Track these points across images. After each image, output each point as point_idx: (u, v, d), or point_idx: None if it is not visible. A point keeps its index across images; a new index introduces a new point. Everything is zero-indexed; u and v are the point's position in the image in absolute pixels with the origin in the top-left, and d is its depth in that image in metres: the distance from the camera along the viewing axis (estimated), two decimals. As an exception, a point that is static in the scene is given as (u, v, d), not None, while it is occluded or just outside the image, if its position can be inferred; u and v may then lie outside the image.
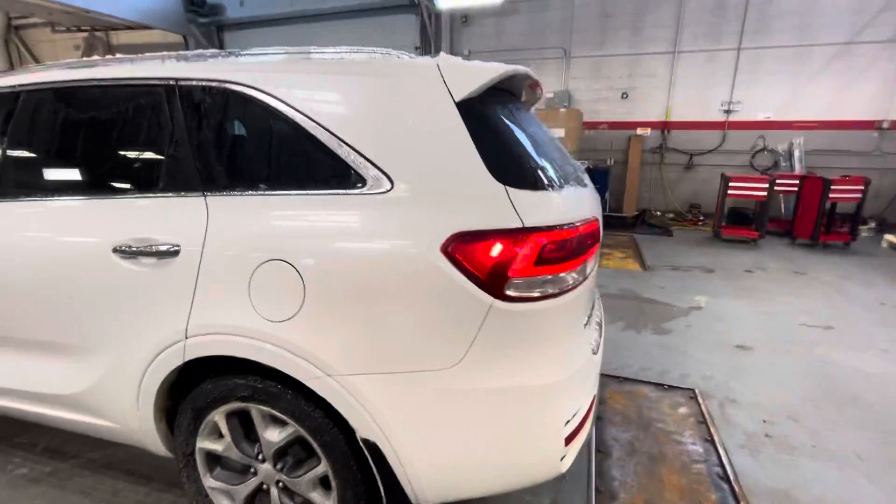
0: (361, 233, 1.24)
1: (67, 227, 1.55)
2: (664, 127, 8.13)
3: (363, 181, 1.26)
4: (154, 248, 1.40)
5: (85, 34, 11.92)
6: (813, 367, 2.93)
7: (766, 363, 2.98)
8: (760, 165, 7.78)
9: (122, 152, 1.58)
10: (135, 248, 1.41)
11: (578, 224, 1.28)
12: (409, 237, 1.19)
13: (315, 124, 1.31)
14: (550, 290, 1.21)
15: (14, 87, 1.69)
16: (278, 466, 1.46)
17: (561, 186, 1.36)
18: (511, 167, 1.24)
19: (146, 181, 1.51)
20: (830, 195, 5.92)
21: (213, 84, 1.44)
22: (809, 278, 4.82)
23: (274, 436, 1.41)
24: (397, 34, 9.02)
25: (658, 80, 8.00)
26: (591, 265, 1.46)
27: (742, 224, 6.75)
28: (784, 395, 2.60)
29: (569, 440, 1.34)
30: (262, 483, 1.51)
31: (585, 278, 1.33)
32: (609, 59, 8.16)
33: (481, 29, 8.81)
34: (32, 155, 1.73)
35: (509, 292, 1.17)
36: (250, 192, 1.37)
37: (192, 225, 1.38)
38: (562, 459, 1.34)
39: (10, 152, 1.70)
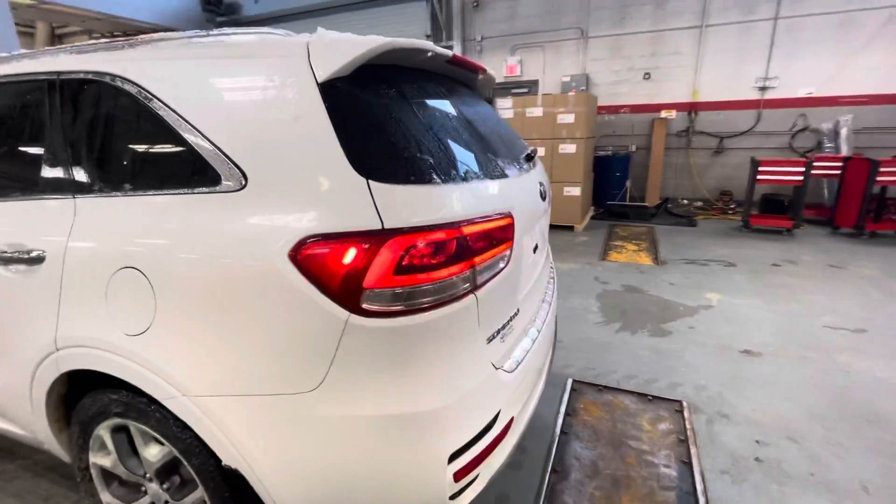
0: (210, 237, 1.09)
1: None
2: (691, 108, 7.52)
3: (219, 179, 1.11)
4: (24, 255, 1.31)
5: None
6: (830, 378, 2.55)
7: (774, 372, 2.63)
8: (801, 147, 7.06)
9: (5, 152, 1.51)
10: (8, 254, 1.34)
11: (463, 222, 1.08)
12: (257, 242, 1.04)
13: (177, 116, 1.17)
14: (420, 303, 1.02)
15: None
16: (164, 486, 1.36)
17: (465, 179, 1.16)
18: (381, 158, 1.05)
19: (29, 182, 1.42)
20: (879, 178, 5.27)
21: (90, 76, 1.33)
22: (847, 273, 4.29)
23: (152, 454, 1.31)
24: (408, 23, 8.82)
25: (684, 57, 7.39)
26: (507, 267, 1.26)
27: (775, 212, 6.15)
28: (787, 411, 2.27)
29: (461, 475, 1.15)
30: (152, 502, 1.41)
31: (477, 286, 1.13)
32: (629, 38, 7.62)
33: (493, 13, 8.46)
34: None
35: (366, 305, 0.99)
36: (116, 192, 1.25)
37: (57, 229, 1.28)
38: (453, 498, 1.15)
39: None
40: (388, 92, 1.21)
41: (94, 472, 1.46)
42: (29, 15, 10.59)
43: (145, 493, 1.41)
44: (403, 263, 0.99)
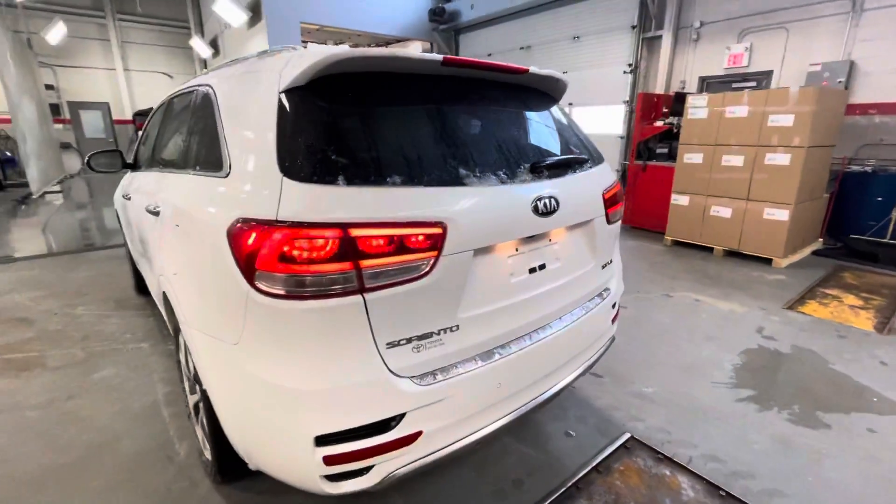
0: (207, 205, 1.41)
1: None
2: None
3: (222, 167, 1.43)
4: (154, 210, 1.96)
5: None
6: None
7: None
8: None
9: (166, 139, 2.22)
10: (151, 209, 2.02)
11: (352, 224, 1.11)
12: (218, 217, 1.31)
13: (217, 115, 1.56)
14: (299, 291, 1.11)
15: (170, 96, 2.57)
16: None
17: (383, 184, 1.19)
18: (299, 158, 1.17)
19: (165, 161, 2.10)
20: None
21: (202, 87, 1.86)
22: None
23: (189, 365, 1.79)
24: (615, 13, 8.19)
25: None
26: (429, 277, 1.22)
27: None
28: None
29: (335, 461, 1.21)
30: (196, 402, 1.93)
31: (365, 288, 1.14)
32: (939, 5, 5.26)
33: (721, -8, 7.05)
34: (166, 139, 2.59)
35: (258, 284, 1.15)
36: (186, 170, 1.75)
37: (161, 194, 1.88)
38: (325, 479, 1.23)
39: (159, 138, 2.60)
40: (349, 98, 1.30)
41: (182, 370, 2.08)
42: (317, 36, 14.13)
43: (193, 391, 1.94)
44: (285, 252, 1.10)
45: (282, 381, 1.18)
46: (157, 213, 1.92)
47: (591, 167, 1.82)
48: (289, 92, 1.25)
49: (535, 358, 1.56)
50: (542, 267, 1.59)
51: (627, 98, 8.21)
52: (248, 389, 1.26)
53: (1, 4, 11.31)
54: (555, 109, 1.94)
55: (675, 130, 6.03)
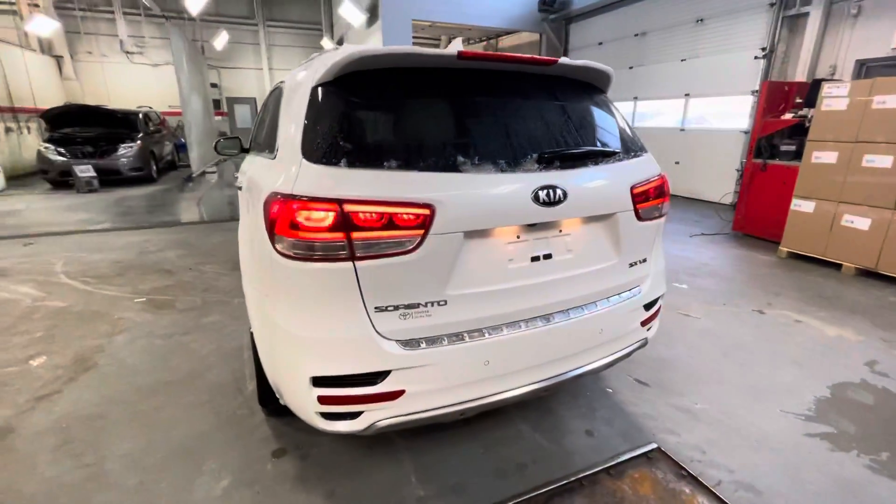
0: (262, 181, 1.70)
1: None
2: None
3: (274, 150, 1.71)
4: (239, 185, 2.39)
5: (483, 43, 15.59)
6: None
7: None
8: None
9: (261, 129, 2.65)
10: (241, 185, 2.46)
11: (347, 201, 1.29)
12: (264, 191, 1.58)
13: (280, 107, 1.86)
14: (305, 254, 1.33)
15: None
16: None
17: (380, 168, 1.35)
18: (316, 143, 1.39)
19: (255, 145, 2.51)
20: None
21: (280, 84, 2.21)
22: None
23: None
24: (749, -8, 7.19)
25: None
26: (416, 253, 1.36)
27: None
28: None
29: (328, 401, 1.42)
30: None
31: (357, 257, 1.32)
32: None
33: (898, -46, 5.76)
34: (259, 128, 3.06)
35: (277, 246, 1.39)
36: (263, 153, 2.09)
37: (246, 172, 2.27)
38: (320, 416, 1.45)
39: (258, 128, 3.09)
40: (366, 92, 1.47)
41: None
42: (430, 32, 14.73)
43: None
44: (294, 221, 1.32)
45: (290, 328, 1.42)
46: (240, 188, 2.33)
47: (619, 160, 1.76)
48: (318, 87, 1.47)
49: (532, 344, 1.60)
50: (548, 256, 1.61)
51: (757, 87, 7.18)
52: (272, 333, 1.53)
53: (184, 19, 13.93)
54: (597, 100, 1.90)
55: (808, 125, 5.16)
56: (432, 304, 1.44)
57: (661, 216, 1.91)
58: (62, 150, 8.98)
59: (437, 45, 18.33)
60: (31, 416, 2.26)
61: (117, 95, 14.32)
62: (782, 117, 5.49)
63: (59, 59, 13.63)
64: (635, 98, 9.53)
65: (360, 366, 1.40)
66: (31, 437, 2.10)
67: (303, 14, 16.05)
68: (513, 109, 1.65)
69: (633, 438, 2.10)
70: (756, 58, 7.15)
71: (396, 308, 1.41)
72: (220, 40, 13.60)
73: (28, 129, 11.34)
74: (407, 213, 1.33)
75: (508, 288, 1.54)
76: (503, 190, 1.47)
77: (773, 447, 2.06)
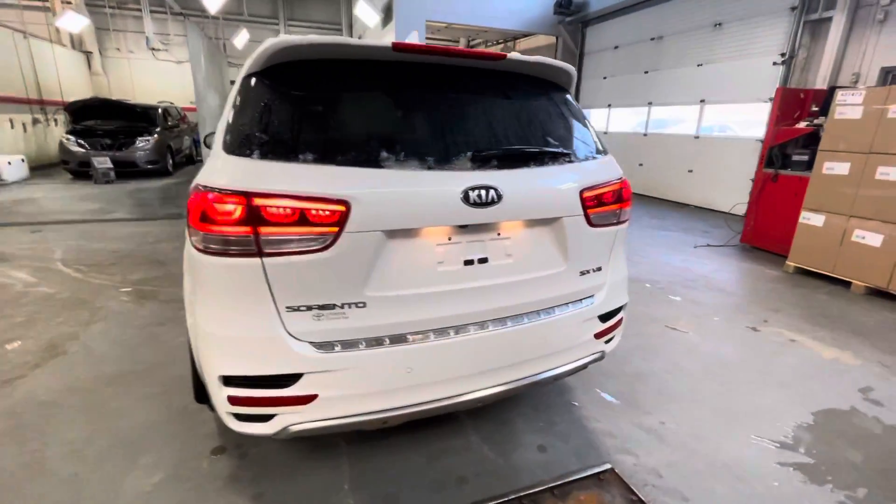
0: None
1: None
2: None
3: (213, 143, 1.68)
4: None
5: (501, 45, 15.50)
6: None
7: None
8: None
9: None
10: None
11: (256, 194, 1.24)
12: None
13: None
14: (211, 247, 1.28)
15: None
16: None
17: (294, 160, 1.29)
18: (238, 135, 1.34)
19: None
20: None
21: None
22: None
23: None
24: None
25: None
26: (330, 252, 1.30)
27: None
28: None
29: (238, 402, 1.37)
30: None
31: (264, 252, 1.26)
32: None
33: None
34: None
35: (193, 239, 1.34)
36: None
37: None
38: (232, 416, 1.39)
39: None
40: (293, 83, 1.41)
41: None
42: (446, 34, 14.72)
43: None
44: (204, 213, 1.28)
45: (205, 325, 1.37)
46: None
47: (569, 162, 1.66)
48: (246, 78, 1.43)
49: (463, 353, 1.52)
50: (484, 261, 1.53)
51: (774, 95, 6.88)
52: (194, 329, 1.49)
53: (206, 17, 14.26)
54: (556, 99, 1.81)
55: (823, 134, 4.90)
56: (349, 305, 1.37)
57: (619, 223, 1.80)
58: (82, 141, 9.28)
59: (457, 44, 18.26)
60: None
61: (142, 91, 14.76)
62: (796, 126, 5.24)
63: (88, 54, 14.14)
64: (649, 103, 9.28)
65: (270, 367, 1.34)
66: (-17, 421, 2.12)
67: (323, 14, 16.25)
68: (453, 106, 1.57)
69: (587, 457, 1.98)
70: (775, 64, 6.86)
71: (310, 308, 1.34)
72: (241, 39, 13.88)
73: (55, 121, 11.77)
74: (319, 209, 1.27)
75: (437, 292, 1.47)
76: (429, 188, 1.39)
77: (739, 475, 1.91)
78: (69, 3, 12.68)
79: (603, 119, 10.88)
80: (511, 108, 1.69)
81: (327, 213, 1.28)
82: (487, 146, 1.52)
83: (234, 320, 1.33)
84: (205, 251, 1.30)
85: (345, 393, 1.40)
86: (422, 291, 1.45)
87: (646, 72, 9.26)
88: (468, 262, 1.50)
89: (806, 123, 5.14)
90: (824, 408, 2.41)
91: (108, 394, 2.34)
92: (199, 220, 1.29)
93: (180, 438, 2.03)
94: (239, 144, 1.31)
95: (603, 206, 1.71)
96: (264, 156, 1.29)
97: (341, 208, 1.28)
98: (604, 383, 2.55)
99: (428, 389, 1.51)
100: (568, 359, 1.77)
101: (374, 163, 1.36)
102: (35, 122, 11.04)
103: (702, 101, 8.10)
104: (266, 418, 1.40)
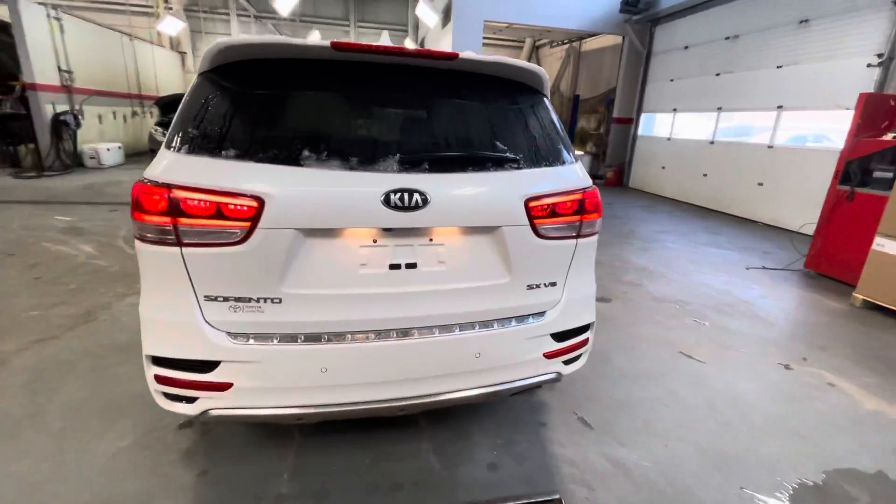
0: None
1: None
2: None
3: None
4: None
5: (566, 46, 15.01)
6: None
7: None
8: None
9: None
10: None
11: (176, 186, 1.30)
12: None
13: None
14: (143, 235, 1.36)
15: None
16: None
17: (217, 156, 1.34)
18: (177, 131, 1.41)
19: None
20: None
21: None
22: None
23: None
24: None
25: None
26: (245, 246, 1.34)
27: None
28: None
29: (162, 381, 1.45)
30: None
31: (183, 242, 1.32)
32: None
33: None
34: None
35: (134, 226, 1.44)
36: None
37: None
38: (161, 395, 1.48)
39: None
40: (235, 81, 1.45)
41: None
42: (508, 34, 14.50)
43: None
44: (137, 203, 1.36)
45: (140, 306, 1.47)
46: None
47: (515, 168, 1.56)
48: (198, 77, 1.51)
49: (383, 358, 1.49)
50: (413, 266, 1.48)
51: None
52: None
53: (283, 20, 15.24)
54: (520, 101, 1.71)
55: (914, 148, 4.19)
56: (265, 300, 1.40)
57: (580, 236, 1.67)
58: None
59: (520, 48, 17.99)
60: (23, 354, 2.62)
61: (226, 88, 16.14)
62: (884, 137, 4.53)
63: (182, 54, 15.74)
64: (719, 109, 8.50)
65: (188, 352, 1.40)
66: (11, 371, 2.44)
67: (392, 15, 16.75)
68: (395, 107, 1.55)
69: (537, 484, 1.87)
70: (869, 66, 5.98)
71: (226, 299, 1.39)
72: (313, 40, 14.72)
73: (151, 113, 13.24)
74: (233, 204, 1.31)
75: (358, 294, 1.45)
76: (347, 189, 1.38)
77: (705, 528, 1.70)
78: (170, 8, 14.19)
79: (667, 125, 10.16)
80: (464, 111, 1.63)
81: (241, 208, 1.31)
82: (422, 148, 1.48)
83: (160, 305, 1.42)
84: (139, 238, 1.39)
85: (258, 385, 1.44)
86: (341, 293, 1.44)
87: (717, 74, 8.49)
88: (394, 267, 1.47)
89: (894, 135, 4.43)
90: (843, 467, 2.06)
91: (114, 361, 2.59)
92: (133, 209, 1.38)
93: (158, 409, 2.19)
94: (175, 140, 1.39)
95: (555, 216, 1.60)
96: (191, 151, 1.35)
97: (254, 204, 1.31)
98: (583, 405, 2.39)
99: (344, 391, 1.50)
100: (509, 377, 1.68)
101: (294, 161, 1.37)
102: (133, 114, 12.50)
103: (779, 106, 7.27)
104: (190, 400, 1.47)
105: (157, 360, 1.44)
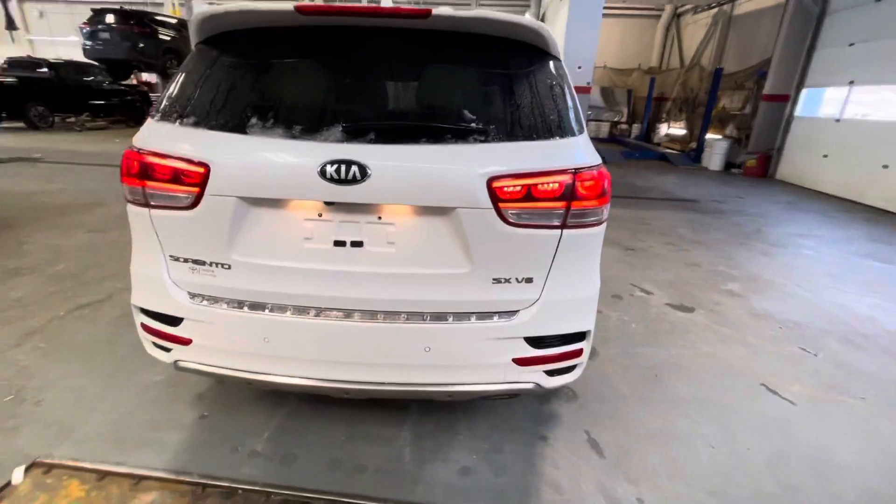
0: None
1: None
2: None
3: None
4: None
5: (713, 10, 12.86)
6: None
7: None
8: None
9: None
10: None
11: (146, 152, 1.39)
12: None
13: None
14: (129, 197, 1.49)
15: None
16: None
17: (178, 124, 1.40)
18: (159, 101, 1.51)
19: None
20: None
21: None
22: None
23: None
24: None
25: None
26: (195, 211, 1.39)
27: None
28: None
29: (145, 329, 1.61)
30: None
31: (150, 204, 1.41)
32: None
33: None
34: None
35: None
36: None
37: None
38: (150, 344, 1.64)
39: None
40: (220, 53, 1.49)
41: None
42: (641, 0, 12.86)
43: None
44: (123, 166, 1.49)
45: (131, 263, 1.63)
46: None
47: (480, 141, 1.33)
48: (197, 46, 1.57)
49: (323, 337, 1.43)
50: (358, 244, 1.38)
51: None
52: None
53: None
54: (515, 64, 1.46)
55: None
56: (216, 265, 1.44)
57: (566, 226, 1.38)
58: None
59: (656, 17, 15.95)
60: (126, 293, 3.19)
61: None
62: None
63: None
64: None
65: (157, 305, 1.52)
66: (112, 304, 2.99)
67: (514, -10, 16.13)
68: (359, 73, 1.43)
69: (506, 499, 1.66)
70: None
71: (186, 261, 1.46)
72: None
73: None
74: (184, 169, 1.35)
75: (301, 268, 1.41)
76: (284, 158, 1.32)
77: None
78: None
79: (837, 102, 8.07)
80: (443, 76, 1.45)
81: (190, 173, 1.35)
82: (373, 117, 1.35)
83: (142, 262, 1.55)
84: (127, 200, 1.53)
85: (211, 345, 1.50)
86: (286, 265, 1.41)
87: (921, 33, 6.41)
88: (339, 244, 1.39)
89: None
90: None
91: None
92: (123, 174, 1.52)
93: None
94: (157, 109, 1.48)
95: (533, 201, 1.33)
96: (162, 118, 1.43)
97: (201, 170, 1.34)
98: (602, 426, 2.05)
99: (285, 364, 1.49)
100: (468, 379, 1.49)
101: (240, 129, 1.36)
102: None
103: None
104: (166, 350, 1.61)
105: (140, 310, 1.60)
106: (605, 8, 9.42)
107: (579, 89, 9.41)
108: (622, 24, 16.27)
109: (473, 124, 1.36)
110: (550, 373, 1.55)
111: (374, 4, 1.43)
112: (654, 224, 5.78)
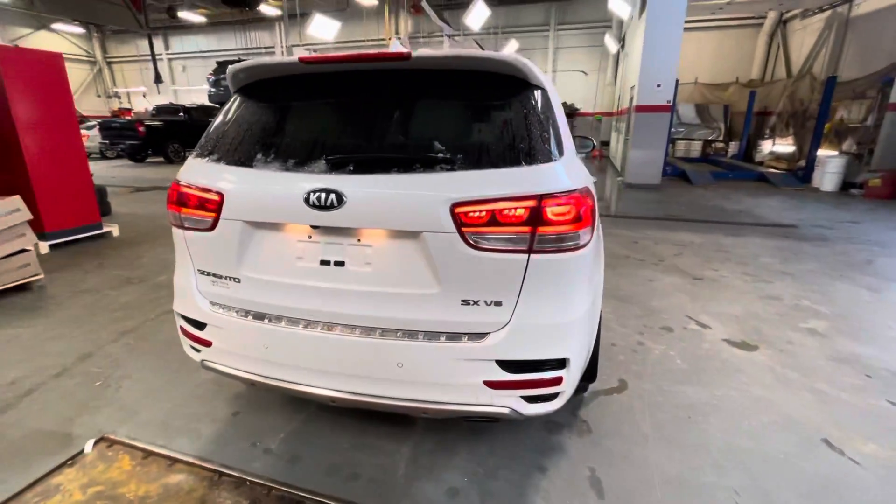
0: None
1: None
2: None
3: None
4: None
5: (827, 13, 11.50)
6: None
7: None
8: None
9: None
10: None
11: (182, 184, 1.69)
12: None
13: None
14: (170, 221, 1.81)
15: None
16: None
17: (208, 160, 1.69)
18: (203, 140, 1.82)
19: None
20: None
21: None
22: None
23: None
24: None
25: None
26: (214, 233, 1.65)
27: None
28: None
29: (183, 332, 1.90)
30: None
31: (185, 227, 1.70)
32: None
33: None
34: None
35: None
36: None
37: None
38: (185, 344, 1.93)
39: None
40: (240, 100, 1.79)
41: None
42: (734, 9, 11.91)
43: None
44: (168, 196, 1.81)
45: (174, 275, 1.94)
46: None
47: (446, 170, 1.40)
48: (235, 93, 1.89)
49: (311, 347, 1.58)
50: (341, 264, 1.53)
51: None
52: None
53: (484, 34, 16.28)
54: (496, 95, 1.54)
55: None
56: (229, 279, 1.67)
57: (531, 251, 1.39)
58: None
59: (760, 22, 14.60)
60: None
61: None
62: None
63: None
64: None
65: (190, 311, 1.80)
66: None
67: (593, 13, 15.94)
68: (351, 111, 1.61)
69: (486, 528, 1.64)
70: None
71: (208, 274, 1.72)
72: (510, 49, 15.34)
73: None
74: (206, 197, 1.62)
75: (294, 284, 1.58)
76: (278, 188, 1.52)
77: None
78: (399, 37, 16.98)
79: None
80: (424, 111, 1.57)
81: (210, 201, 1.61)
82: (352, 150, 1.51)
83: (179, 273, 1.86)
84: (172, 223, 1.86)
85: (223, 347, 1.73)
86: (282, 280, 1.60)
87: None
88: (324, 263, 1.54)
89: None
90: None
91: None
92: (168, 202, 1.84)
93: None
94: (196, 148, 1.80)
95: (497, 226, 1.37)
96: (198, 156, 1.74)
97: (217, 198, 1.59)
98: (609, 464, 1.93)
99: (281, 370, 1.65)
100: (439, 397, 1.52)
101: (248, 163, 1.60)
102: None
103: None
104: (197, 350, 1.88)
105: (181, 316, 1.90)
106: (697, 21, 8.97)
107: (657, 108, 8.95)
108: (716, 36, 15.16)
109: (440, 154, 1.45)
110: (529, 399, 1.53)
111: (383, 50, 1.61)
112: (734, 251, 5.22)
